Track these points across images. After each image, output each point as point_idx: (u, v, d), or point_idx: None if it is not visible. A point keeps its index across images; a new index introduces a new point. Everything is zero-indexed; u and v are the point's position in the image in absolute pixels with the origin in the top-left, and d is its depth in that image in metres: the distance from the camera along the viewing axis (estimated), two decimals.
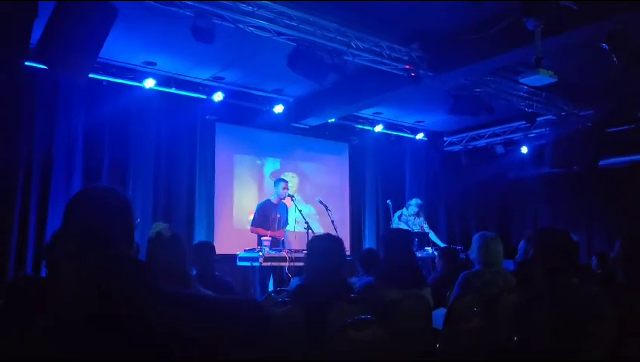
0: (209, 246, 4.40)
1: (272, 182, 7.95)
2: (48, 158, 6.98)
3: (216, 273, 4.16)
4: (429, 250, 8.08)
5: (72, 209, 1.46)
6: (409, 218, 8.72)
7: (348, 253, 4.91)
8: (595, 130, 9.19)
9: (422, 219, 8.82)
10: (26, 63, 5.83)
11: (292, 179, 9.19)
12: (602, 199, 9.88)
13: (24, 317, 1.26)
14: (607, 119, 9.13)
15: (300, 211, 7.12)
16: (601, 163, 9.46)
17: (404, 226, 8.43)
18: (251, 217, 7.79)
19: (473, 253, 4.08)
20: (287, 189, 7.56)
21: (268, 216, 7.49)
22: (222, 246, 6.56)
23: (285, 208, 7.67)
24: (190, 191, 8.29)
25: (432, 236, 8.61)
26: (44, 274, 4.79)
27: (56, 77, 6.85)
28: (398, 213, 8.82)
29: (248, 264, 6.80)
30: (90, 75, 6.28)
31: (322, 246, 3.22)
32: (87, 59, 5.03)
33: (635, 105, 8.74)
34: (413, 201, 8.86)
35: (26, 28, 4.48)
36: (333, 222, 7.05)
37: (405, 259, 3.66)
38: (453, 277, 4.12)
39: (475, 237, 4.12)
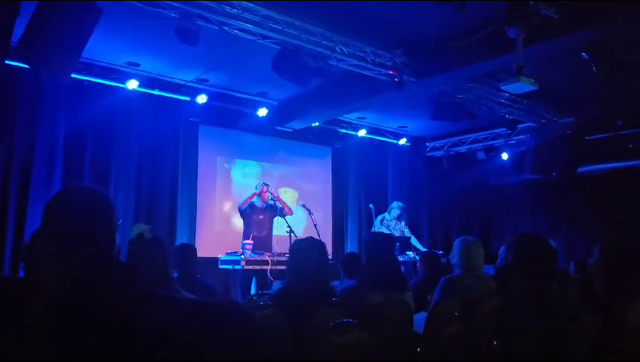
0: (191, 248, 4.36)
1: (254, 185, 7.92)
2: (29, 157, 6.89)
3: (198, 276, 4.14)
4: (411, 254, 8.12)
5: (52, 208, 1.43)
6: (390, 222, 8.74)
7: (330, 256, 4.91)
8: (574, 137, 9.34)
9: (403, 223, 8.86)
10: (8, 62, 5.76)
11: (285, 194, 9.09)
12: (581, 205, 10.00)
13: (3, 320, 1.24)
14: (587, 127, 9.27)
15: (285, 217, 7.12)
16: (580, 170, 9.59)
17: (385, 230, 8.44)
18: (234, 220, 7.76)
19: (454, 257, 4.09)
20: (268, 193, 7.54)
21: (250, 218, 7.49)
22: (203, 249, 6.53)
23: (272, 209, 7.62)
24: (172, 193, 8.24)
25: (414, 241, 8.64)
26: (22, 276, 4.72)
27: (38, 76, 6.77)
28: (380, 218, 8.84)
29: (230, 267, 6.77)
30: (73, 75, 6.22)
31: (305, 249, 3.21)
32: (70, 59, 4.98)
33: (613, 113, 8.88)
34: (395, 204, 8.88)
35: (8, 26, 4.42)
36: (315, 225, 7.05)
37: (387, 263, 3.66)
38: (434, 282, 4.13)
39: (457, 242, 4.14)
